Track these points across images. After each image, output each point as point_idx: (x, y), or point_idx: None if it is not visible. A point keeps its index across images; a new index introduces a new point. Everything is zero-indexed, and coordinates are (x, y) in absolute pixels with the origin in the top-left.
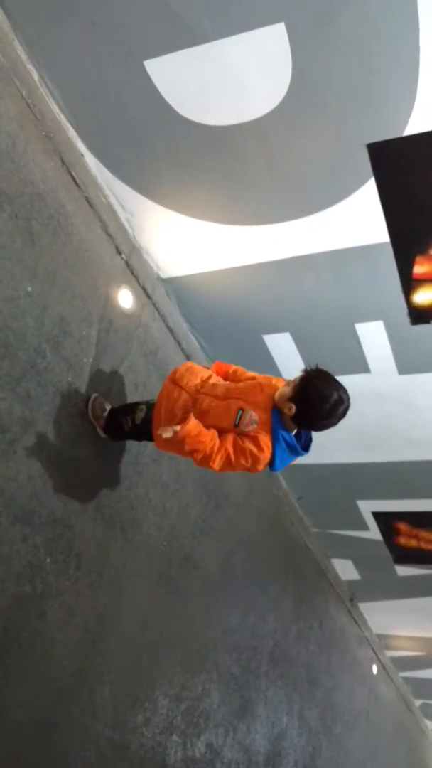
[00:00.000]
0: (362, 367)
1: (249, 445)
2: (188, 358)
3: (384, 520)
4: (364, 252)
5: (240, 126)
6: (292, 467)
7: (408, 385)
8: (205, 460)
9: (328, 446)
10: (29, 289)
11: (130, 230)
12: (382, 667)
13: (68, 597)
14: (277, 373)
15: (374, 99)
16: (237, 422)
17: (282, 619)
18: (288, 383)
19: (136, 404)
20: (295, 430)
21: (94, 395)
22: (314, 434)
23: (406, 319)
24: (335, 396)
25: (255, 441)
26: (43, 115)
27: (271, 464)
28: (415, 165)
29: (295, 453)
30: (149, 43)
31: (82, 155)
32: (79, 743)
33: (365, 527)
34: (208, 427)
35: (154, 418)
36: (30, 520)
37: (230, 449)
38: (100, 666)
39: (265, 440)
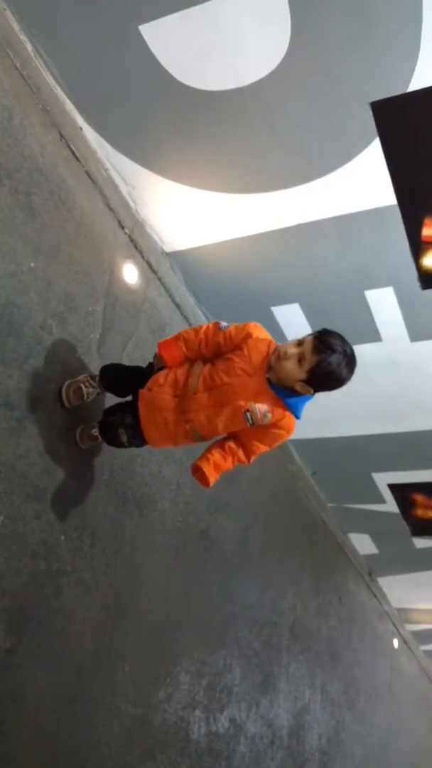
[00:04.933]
0: (373, 335)
1: (274, 432)
2: None
3: (400, 492)
4: (371, 216)
5: (239, 90)
6: (305, 441)
7: (421, 352)
8: (244, 463)
9: (341, 419)
10: (32, 264)
11: (132, 204)
12: (403, 640)
13: (84, 574)
14: None
15: (376, 55)
16: (251, 423)
17: (301, 595)
18: (286, 355)
19: (116, 427)
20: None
21: (79, 429)
22: (325, 403)
23: (417, 284)
24: (350, 362)
25: (278, 426)
26: (39, 87)
27: (296, 416)
28: (421, 122)
29: (304, 400)
30: (144, 6)
31: (80, 128)
32: (102, 719)
33: (381, 500)
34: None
35: (150, 442)
36: (43, 498)
37: (260, 447)
38: (120, 642)
39: (287, 419)
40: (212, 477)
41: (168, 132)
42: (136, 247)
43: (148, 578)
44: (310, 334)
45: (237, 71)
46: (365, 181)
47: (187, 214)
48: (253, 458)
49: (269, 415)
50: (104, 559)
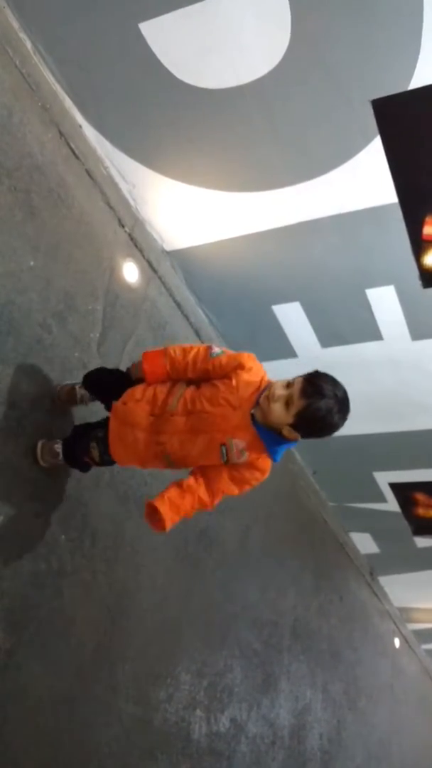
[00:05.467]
0: (374, 334)
1: (247, 474)
2: (197, 332)
3: (402, 491)
4: (372, 214)
5: (240, 88)
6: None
7: (422, 351)
8: (208, 509)
9: None
10: (32, 263)
11: (132, 202)
12: (405, 640)
13: (85, 574)
14: (287, 345)
15: (377, 52)
16: (225, 459)
17: (302, 594)
18: (274, 396)
19: (88, 440)
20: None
21: (40, 443)
22: None
23: (418, 283)
24: (342, 407)
25: (253, 467)
26: (39, 85)
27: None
28: (422, 120)
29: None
30: (144, 4)
31: (80, 126)
32: (102, 719)
33: (383, 499)
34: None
35: (116, 459)
36: (43, 497)
37: (230, 487)
38: (120, 642)
39: (263, 460)
40: (169, 518)
41: (168, 130)
42: (136, 246)
43: (148, 578)
44: (300, 376)
45: (237, 69)
46: (366, 179)
47: (187, 212)
48: (217, 501)
49: (246, 454)
50: (104, 559)
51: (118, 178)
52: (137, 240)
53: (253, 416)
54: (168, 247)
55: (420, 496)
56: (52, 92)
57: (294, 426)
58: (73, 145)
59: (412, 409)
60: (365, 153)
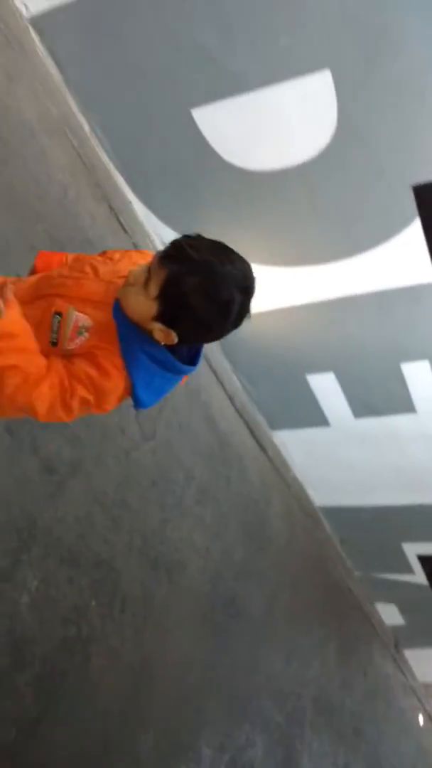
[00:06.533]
0: (408, 406)
1: (85, 365)
2: (230, 399)
3: (430, 563)
4: (410, 292)
5: (284, 170)
6: (335, 509)
7: None
8: (26, 391)
9: (373, 488)
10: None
11: None
12: (429, 717)
13: (113, 640)
14: (320, 414)
15: (419, 141)
16: (55, 337)
17: (326, 666)
18: (132, 277)
19: None
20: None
21: None
22: (357, 470)
23: None
24: (225, 295)
25: (92, 359)
26: (93, 164)
27: (135, 397)
28: None
29: (174, 371)
30: (196, 92)
31: (130, 202)
32: None
33: (410, 571)
34: None
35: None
36: (76, 562)
37: (76, 386)
38: (144, 710)
39: (110, 359)
40: (11, 323)
41: (213, 206)
42: None
43: (175, 645)
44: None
45: (282, 153)
46: (405, 259)
47: None
48: (48, 386)
49: (85, 335)
50: (133, 626)
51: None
52: None
53: (119, 307)
54: None
55: None
56: (105, 170)
57: (162, 317)
58: (122, 220)
59: None
60: (405, 234)
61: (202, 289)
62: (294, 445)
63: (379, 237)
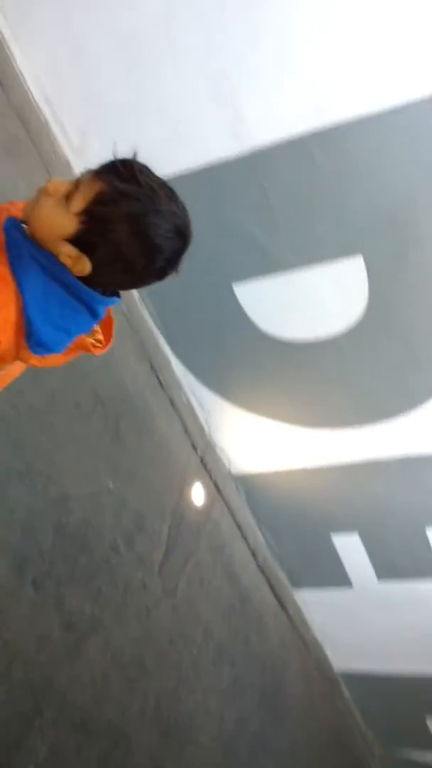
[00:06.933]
0: None
1: None
2: (253, 554)
3: None
4: None
5: (316, 342)
6: (356, 675)
7: None
8: None
9: (395, 655)
10: (111, 485)
11: (206, 427)
12: None
13: None
14: (343, 574)
15: None
16: None
17: None
18: (50, 187)
19: None
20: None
21: None
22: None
23: None
24: (161, 232)
25: None
26: (139, 326)
27: (29, 324)
28: None
29: (81, 297)
30: (238, 270)
31: (169, 361)
32: None
33: None
34: None
35: None
36: (86, 728)
37: None
38: None
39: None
40: None
41: (247, 370)
42: (206, 468)
43: None
44: None
45: (316, 327)
46: (430, 428)
47: (256, 441)
48: None
49: None
50: None
51: (196, 406)
52: (207, 462)
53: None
54: (235, 471)
55: None
56: (149, 332)
57: (77, 238)
58: (161, 377)
59: None
60: (430, 404)
61: (136, 220)
62: (315, 604)
63: (406, 405)
